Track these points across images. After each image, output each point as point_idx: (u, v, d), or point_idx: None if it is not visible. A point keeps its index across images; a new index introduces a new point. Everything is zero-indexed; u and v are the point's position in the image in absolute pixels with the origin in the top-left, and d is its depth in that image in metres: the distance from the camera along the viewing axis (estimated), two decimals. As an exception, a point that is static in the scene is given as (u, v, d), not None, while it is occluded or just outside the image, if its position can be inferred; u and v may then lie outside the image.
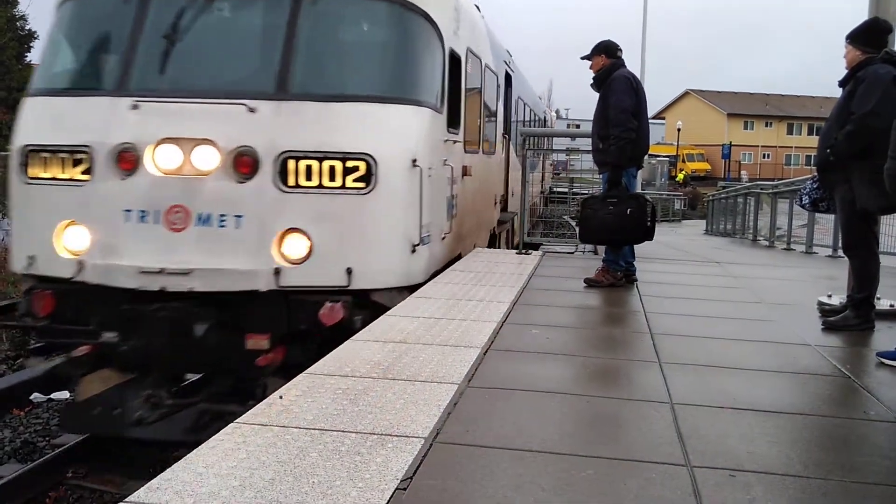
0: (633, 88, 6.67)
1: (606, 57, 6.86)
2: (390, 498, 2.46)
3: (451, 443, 2.98)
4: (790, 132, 70.00)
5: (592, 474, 2.73)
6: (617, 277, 6.89)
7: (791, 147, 68.07)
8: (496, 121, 10.63)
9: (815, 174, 5.74)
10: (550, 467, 2.80)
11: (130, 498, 2.40)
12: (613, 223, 6.64)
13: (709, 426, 3.26)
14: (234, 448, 2.79)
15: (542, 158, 20.43)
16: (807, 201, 5.85)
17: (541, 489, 2.61)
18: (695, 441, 3.06)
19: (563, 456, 2.91)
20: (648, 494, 2.58)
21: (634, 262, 7.15)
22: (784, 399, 3.76)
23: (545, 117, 23.56)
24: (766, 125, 70.22)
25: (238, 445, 2.81)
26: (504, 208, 11.79)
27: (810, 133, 65.85)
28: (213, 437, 2.90)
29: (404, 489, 2.54)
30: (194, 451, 2.77)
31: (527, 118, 15.89)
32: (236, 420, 3.09)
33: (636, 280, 7.07)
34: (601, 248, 8.20)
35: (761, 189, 15.72)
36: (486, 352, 4.36)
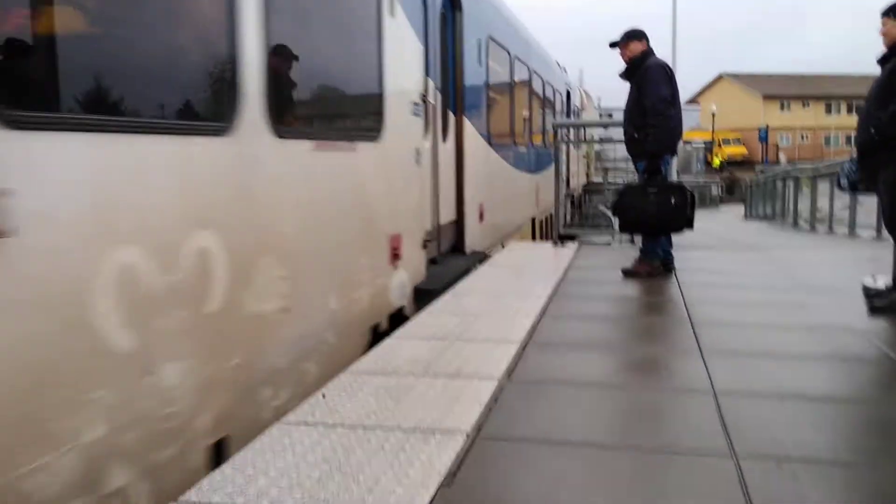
0: (668, 76, 6.62)
1: (644, 43, 6.77)
2: (435, 494, 2.48)
3: (494, 438, 3.00)
4: (829, 112, 68.50)
5: (635, 466, 2.73)
6: (655, 267, 6.84)
7: (830, 127, 66.63)
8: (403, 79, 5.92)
9: (854, 155, 5.64)
10: (592, 460, 2.80)
11: (181, 498, 2.45)
12: (655, 213, 6.59)
13: (753, 415, 3.23)
14: (281, 449, 2.83)
15: (564, 147, 15.93)
16: (845, 183, 5.75)
17: (584, 483, 2.62)
18: (739, 431, 3.03)
19: (605, 449, 2.91)
20: (693, 486, 2.57)
21: (672, 251, 7.09)
22: (830, 385, 3.71)
23: (567, 95, 18.85)
24: (804, 106, 68.82)
25: (285, 446, 2.86)
26: (434, 258, 6.71)
27: (849, 112, 64.31)
28: (259, 437, 2.96)
29: (448, 485, 2.56)
30: (241, 452, 2.82)
31: (518, 85, 11.25)
32: (281, 420, 3.14)
33: (674, 269, 7.01)
34: (638, 238, 8.14)
35: (801, 171, 15.45)
36: (525, 346, 4.37)
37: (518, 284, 6.27)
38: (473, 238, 7.95)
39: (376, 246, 5.12)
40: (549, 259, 7.85)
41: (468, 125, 7.94)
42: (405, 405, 3.32)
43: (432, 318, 5.04)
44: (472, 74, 8.20)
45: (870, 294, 5.64)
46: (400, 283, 5.48)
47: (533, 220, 12.55)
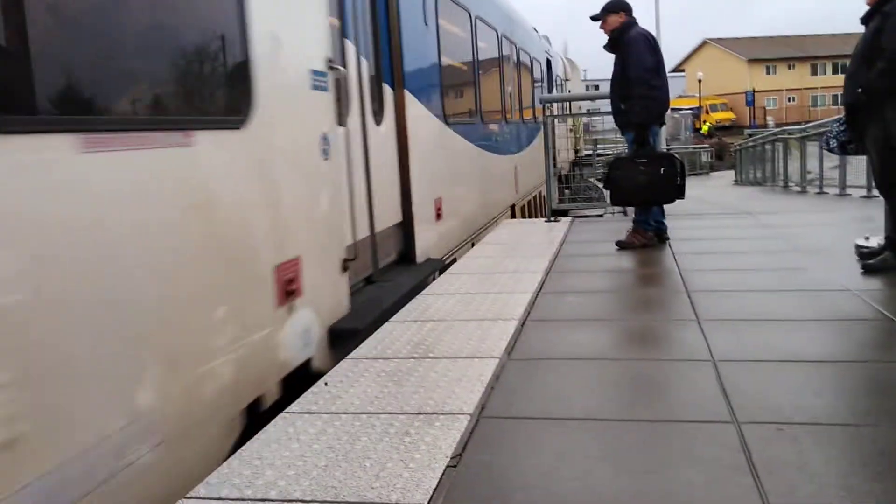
0: (651, 46, 6.60)
1: (625, 15, 6.76)
2: (441, 476, 2.50)
3: (497, 416, 3.02)
4: (814, 73, 68.39)
5: (638, 437, 2.76)
6: (648, 237, 6.86)
7: (817, 88, 66.57)
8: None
9: (842, 116, 5.63)
10: (595, 433, 2.83)
11: (190, 494, 2.47)
12: (646, 184, 6.60)
13: (752, 381, 3.26)
14: (286, 439, 2.85)
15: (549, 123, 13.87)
16: (834, 144, 5.75)
17: (587, 456, 2.64)
18: (739, 397, 3.06)
19: (607, 421, 2.93)
20: (696, 454, 2.60)
21: (665, 221, 7.11)
22: (827, 348, 3.74)
23: (547, 65, 17.34)
24: (789, 68, 68.69)
25: (290, 436, 2.88)
26: (370, 276, 5.39)
27: (835, 72, 64.26)
28: (264, 429, 2.97)
29: (454, 466, 2.58)
30: (247, 444, 2.84)
31: (476, 52, 9.11)
32: (285, 410, 3.16)
33: (668, 238, 7.03)
34: (630, 210, 8.15)
35: (789, 134, 15.44)
36: (524, 323, 4.39)
37: (513, 262, 6.28)
38: (428, 243, 6.42)
39: (248, 285, 3.42)
40: (542, 235, 7.86)
41: (413, 102, 6.26)
42: (408, 388, 3.34)
43: (429, 300, 5.05)
44: (417, 38, 6.49)
45: (863, 254, 5.67)
46: (300, 328, 3.86)
47: (513, 208, 11.23)
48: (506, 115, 11.08)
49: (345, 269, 4.47)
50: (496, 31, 10.47)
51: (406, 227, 6.09)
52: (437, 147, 7.00)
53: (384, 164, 5.65)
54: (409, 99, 6.15)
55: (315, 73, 4.14)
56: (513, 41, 11.77)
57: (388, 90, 5.89)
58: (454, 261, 6.66)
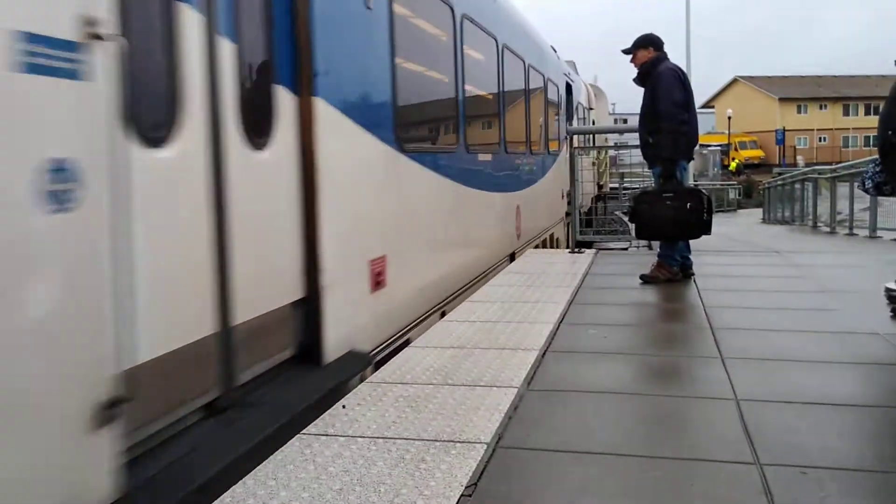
0: (681, 81, 6.60)
1: (654, 49, 6.79)
2: (457, 505, 2.47)
3: (514, 447, 2.99)
4: (846, 113, 67.98)
5: (658, 475, 2.71)
6: (673, 272, 6.80)
7: (848, 129, 66.11)
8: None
9: (877, 157, 5.57)
10: (615, 469, 2.78)
11: (204, 512, 2.45)
12: (672, 218, 6.56)
13: (777, 422, 3.20)
14: (302, 460, 2.84)
15: (566, 152, 13.19)
16: (870, 185, 5.69)
17: (606, 492, 2.60)
18: (763, 438, 3.00)
19: (627, 457, 2.89)
20: (717, 494, 2.54)
21: (690, 256, 7.05)
22: (854, 391, 3.67)
23: (567, 89, 15.06)
24: (821, 108, 68.32)
25: (306, 457, 2.86)
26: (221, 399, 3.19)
27: (867, 113, 63.85)
28: (280, 449, 2.96)
29: (469, 496, 2.55)
30: (262, 464, 2.83)
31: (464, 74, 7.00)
32: (301, 432, 3.14)
33: (693, 274, 6.97)
34: (655, 244, 8.10)
35: (819, 173, 15.31)
36: (545, 354, 4.35)
37: (536, 292, 6.25)
38: (355, 325, 4.36)
39: None
40: (566, 266, 7.82)
41: (333, 117, 4.19)
42: (425, 415, 3.31)
43: (450, 326, 5.03)
44: (348, 25, 4.47)
45: (893, 297, 5.56)
46: None
47: (512, 257, 8.88)
48: (506, 144, 8.82)
49: (103, 421, 2.29)
50: (495, 40, 8.31)
51: (311, 305, 3.98)
52: (381, 184, 4.94)
53: (268, 210, 3.65)
54: (325, 112, 4.06)
55: (36, 40, 2.09)
56: (520, 56, 9.77)
57: (283, 95, 3.80)
58: (405, 344, 4.82)
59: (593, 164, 17.97)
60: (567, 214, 13.21)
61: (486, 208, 7.91)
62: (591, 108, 20.26)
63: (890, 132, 5.14)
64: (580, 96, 17.52)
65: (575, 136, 15.08)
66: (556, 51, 14.14)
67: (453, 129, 6.88)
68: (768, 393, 3.59)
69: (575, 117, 16.38)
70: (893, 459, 2.82)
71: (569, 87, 15.27)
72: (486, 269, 7.61)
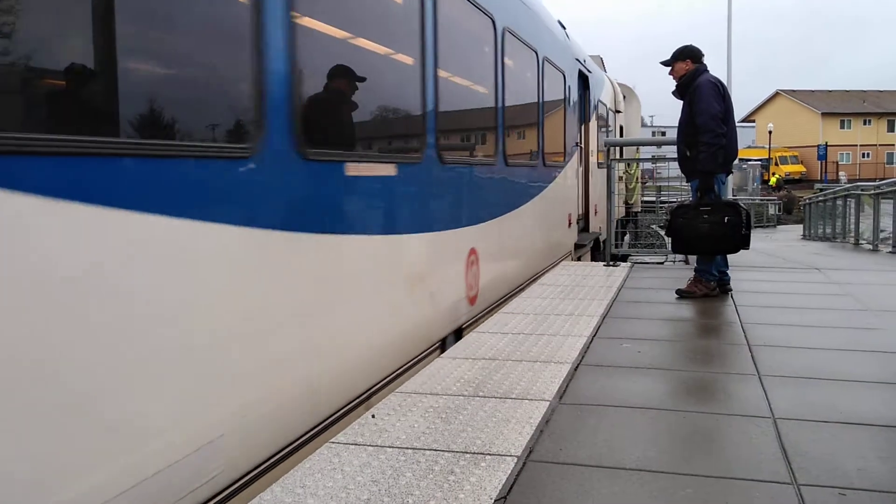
0: (720, 93, 6.51)
1: (691, 62, 6.73)
2: (485, 518, 2.45)
3: (545, 461, 2.95)
4: (891, 129, 66.63)
5: (692, 493, 2.65)
6: (710, 287, 6.70)
7: (893, 145, 64.80)
8: None
9: None
10: (647, 486, 2.74)
11: (233, 518, 2.44)
12: (709, 232, 6.47)
13: (814, 442, 3.13)
14: (330, 469, 2.83)
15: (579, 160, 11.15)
16: None
17: (638, 509, 2.55)
18: (800, 458, 2.93)
19: (660, 474, 2.84)
20: (752, 514, 2.49)
21: (728, 271, 6.94)
22: (895, 412, 3.57)
23: (581, 82, 11.32)
24: (865, 123, 67.06)
25: (334, 466, 2.86)
26: None
27: (912, 129, 62.62)
28: (309, 457, 2.96)
29: (499, 509, 2.52)
30: (291, 471, 2.83)
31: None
32: (331, 440, 3.14)
33: (731, 290, 6.86)
34: (692, 258, 7.99)
35: (862, 190, 15.00)
36: (577, 367, 4.31)
37: (569, 305, 6.20)
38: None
39: None
40: (600, 279, 7.75)
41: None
42: (455, 426, 3.29)
43: (483, 338, 5.01)
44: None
45: (937, 316, 5.43)
46: None
47: (459, 333, 5.64)
48: (440, 152, 5.23)
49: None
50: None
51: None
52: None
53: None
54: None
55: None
56: (488, 13, 6.42)
57: None
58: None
59: (620, 178, 15.10)
60: (578, 246, 10.72)
61: (371, 262, 4.27)
62: (619, 112, 16.40)
63: None
64: (602, 94, 13.59)
65: (610, 146, 13.57)
66: (564, 28, 10.73)
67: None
68: (806, 412, 3.51)
69: (594, 119, 12.52)
70: (937, 483, 2.73)
71: (584, 80, 11.56)
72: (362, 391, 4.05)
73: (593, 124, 12.66)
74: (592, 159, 12.53)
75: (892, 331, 5.26)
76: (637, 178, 17.95)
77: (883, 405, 3.65)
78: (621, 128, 17.22)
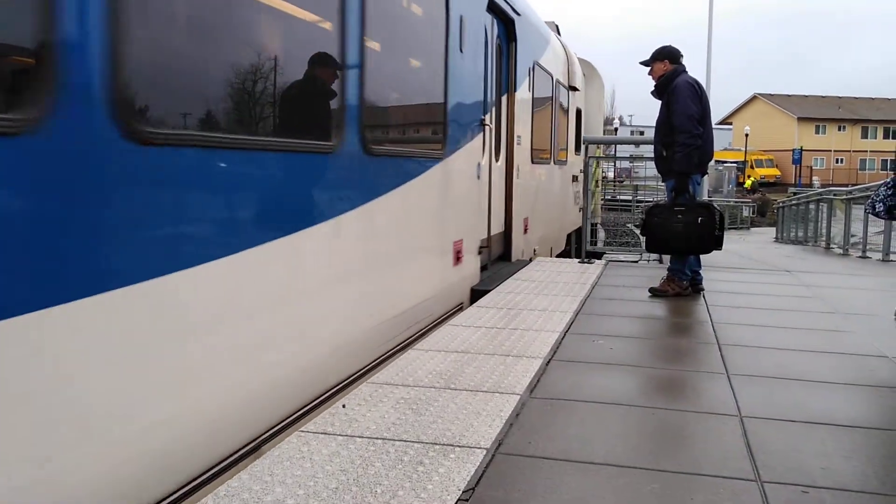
0: (697, 94, 6.56)
1: (669, 63, 6.76)
2: (452, 509, 2.45)
3: (514, 454, 2.97)
4: (864, 136, 67.65)
5: (658, 488, 2.68)
6: (683, 287, 6.76)
7: (866, 151, 65.79)
8: None
9: (889, 180, 5.53)
10: (615, 480, 2.76)
11: (199, 504, 2.43)
12: (682, 232, 6.52)
13: (780, 440, 3.17)
14: (299, 457, 2.82)
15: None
16: (881, 208, 5.64)
17: (604, 503, 2.57)
18: (765, 455, 2.97)
19: (628, 469, 2.86)
20: (716, 510, 2.52)
21: (701, 271, 7.01)
22: (860, 413, 3.63)
23: (488, 38, 7.21)
24: (839, 129, 67.98)
25: (303, 455, 2.85)
26: None
27: (886, 137, 63.63)
28: (278, 445, 2.95)
29: (467, 500, 2.53)
30: (259, 459, 2.82)
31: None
32: (301, 429, 3.13)
33: (703, 290, 6.92)
34: (666, 257, 8.06)
35: (834, 195, 15.21)
36: (549, 362, 4.33)
37: (543, 300, 6.22)
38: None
39: None
40: (575, 276, 7.79)
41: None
42: (425, 418, 3.30)
43: (455, 331, 5.01)
44: None
45: (903, 321, 5.52)
46: None
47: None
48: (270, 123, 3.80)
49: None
50: None
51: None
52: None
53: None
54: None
55: None
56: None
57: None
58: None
59: (575, 178, 12.65)
60: (479, 293, 6.67)
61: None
62: (576, 90, 12.58)
63: None
64: (546, 57, 10.17)
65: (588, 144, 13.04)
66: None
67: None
68: (773, 411, 3.55)
69: (526, 89, 8.95)
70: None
71: (505, 23, 8.07)
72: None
73: (524, 97, 8.74)
74: (523, 148, 8.71)
75: (859, 333, 5.34)
76: (599, 180, 14.10)
77: (848, 406, 3.71)
78: (578, 112, 13.36)
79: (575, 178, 12.54)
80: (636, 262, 10.61)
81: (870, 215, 10.59)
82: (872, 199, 5.81)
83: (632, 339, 5.17)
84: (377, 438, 3.04)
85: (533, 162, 9.39)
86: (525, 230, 9.06)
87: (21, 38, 2.08)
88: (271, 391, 3.42)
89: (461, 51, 6.23)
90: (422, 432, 3.12)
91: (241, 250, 3.15)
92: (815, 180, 54.59)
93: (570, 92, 12.17)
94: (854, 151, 66.59)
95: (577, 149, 13.01)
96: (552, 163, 10.89)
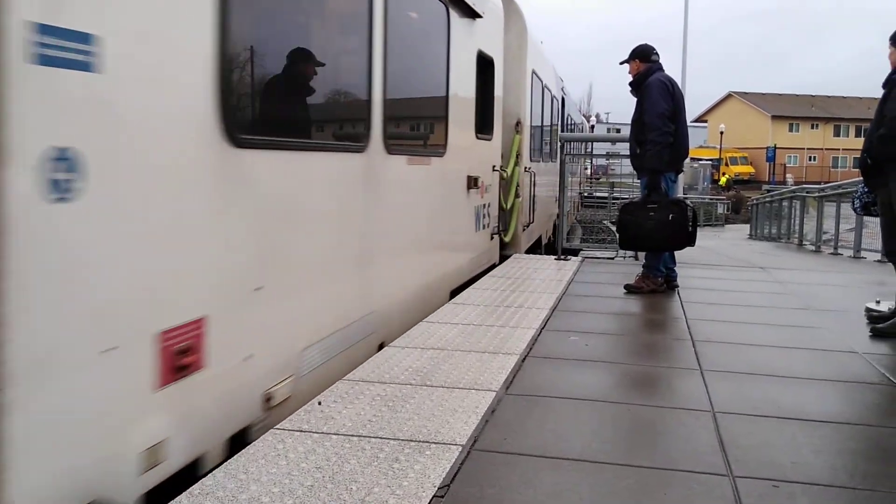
0: (669, 92, 6.61)
1: (641, 62, 6.81)
2: (428, 505, 2.46)
3: (489, 450, 2.98)
4: (837, 134, 68.52)
5: (632, 483, 2.71)
6: (658, 283, 6.82)
7: (838, 149, 66.63)
8: None
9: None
10: (589, 476, 2.78)
11: (172, 502, 2.44)
12: (654, 229, 6.57)
13: (751, 435, 3.21)
14: (274, 455, 2.82)
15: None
16: (857, 205, 5.76)
17: (579, 498, 2.59)
18: (737, 450, 3.01)
19: (603, 464, 2.88)
20: (689, 504, 2.54)
21: (675, 268, 7.07)
22: (830, 408, 3.68)
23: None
24: (812, 127, 68.81)
25: (278, 452, 2.84)
26: None
27: (857, 135, 64.34)
28: (253, 443, 2.94)
29: (442, 496, 2.54)
30: (234, 457, 2.81)
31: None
32: (276, 427, 3.13)
33: (677, 286, 6.98)
34: (642, 254, 8.12)
35: (807, 192, 15.41)
36: (525, 359, 4.35)
37: (519, 297, 6.24)
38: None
39: None
40: (551, 273, 7.82)
41: None
42: (401, 415, 3.30)
43: (432, 328, 5.02)
44: None
45: (873, 317, 5.61)
46: None
47: None
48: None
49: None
50: None
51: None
52: None
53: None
54: None
55: None
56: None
57: None
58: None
59: (503, 178, 8.73)
60: None
61: None
62: (477, 15, 7.06)
63: (864, 154, 5.25)
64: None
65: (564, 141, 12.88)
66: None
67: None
68: (745, 406, 3.60)
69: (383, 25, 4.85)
70: (865, 476, 2.83)
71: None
72: None
73: (379, 28, 4.89)
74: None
75: (830, 329, 5.42)
76: (517, 184, 9.30)
77: (819, 401, 3.77)
78: (484, 59, 7.77)
79: (503, 178, 8.73)
80: (612, 258, 10.67)
81: (844, 211, 10.76)
82: (853, 195, 5.95)
83: (607, 335, 5.21)
84: (353, 436, 3.04)
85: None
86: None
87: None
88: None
89: None
90: (398, 429, 3.12)
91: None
92: (789, 178, 55.23)
93: (460, 16, 6.77)
94: (826, 149, 67.43)
95: (487, 128, 8.05)
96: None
